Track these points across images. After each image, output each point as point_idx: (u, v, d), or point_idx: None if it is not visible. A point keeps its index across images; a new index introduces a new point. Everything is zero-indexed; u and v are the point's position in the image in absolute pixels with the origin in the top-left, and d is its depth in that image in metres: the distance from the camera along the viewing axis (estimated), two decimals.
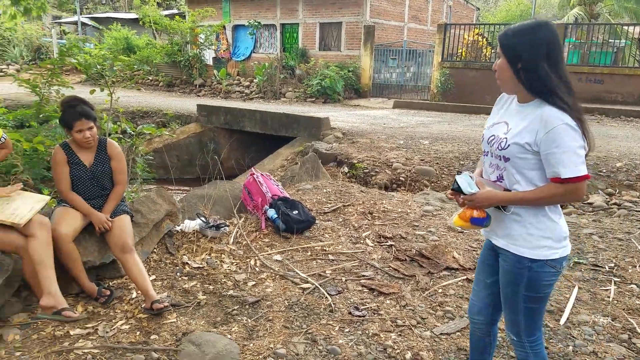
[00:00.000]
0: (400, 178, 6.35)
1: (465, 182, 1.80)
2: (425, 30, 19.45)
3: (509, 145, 1.74)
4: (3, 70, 19.58)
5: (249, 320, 2.79)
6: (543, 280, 1.77)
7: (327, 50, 17.06)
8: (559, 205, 1.81)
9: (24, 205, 2.73)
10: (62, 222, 2.83)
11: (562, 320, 2.89)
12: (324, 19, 16.92)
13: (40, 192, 3.65)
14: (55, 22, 24.95)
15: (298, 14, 17.44)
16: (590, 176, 1.80)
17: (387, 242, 3.92)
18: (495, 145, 1.79)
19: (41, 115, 4.84)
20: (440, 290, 3.24)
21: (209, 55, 18.72)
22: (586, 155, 1.67)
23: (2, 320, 2.65)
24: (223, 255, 3.60)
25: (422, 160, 6.85)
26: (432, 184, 6.25)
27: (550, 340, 2.70)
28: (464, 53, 14.69)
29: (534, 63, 1.68)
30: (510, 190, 1.78)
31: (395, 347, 2.59)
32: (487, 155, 1.88)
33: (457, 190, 1.83)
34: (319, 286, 3.19)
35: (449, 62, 14.11)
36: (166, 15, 19.30)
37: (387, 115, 12.06)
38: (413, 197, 5.19)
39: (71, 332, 2.56)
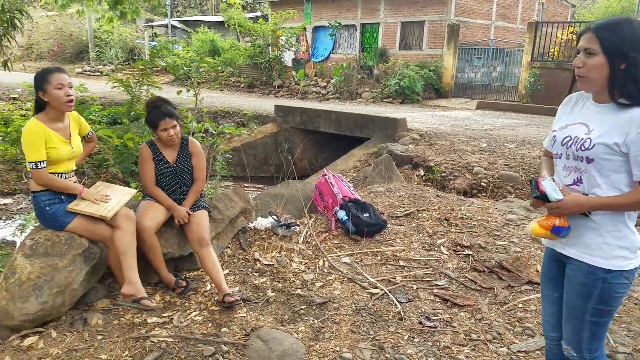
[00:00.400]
0: (482, 183, 6.02)
1: (551, 187, 1.68)
2: (514, 28, 18.44)
3: (594, 145, 1.64)
4: (100, 70, 21.21)
5: (316, 321, 2.77)
6: (615, 292, 1.70)
7: (408, 50, 16.74)
8: (634, 215, 1.69)
9: (111, 198, 2.92)
10: (146, 215, 3.00)
11: None
12: (406, 18, 16.62)
13: (129, 185, 3.90)
14: (148, 25, 26.66)
15: (379, 13, 17.28)
16: None
17: (464, 251, 3.72)
18: (575, 147, 1.70)
19: (132, 113, 5.19)
20: (520, 305, 3.02)
21: (288, 57, 19.13)
22: None
23: (88, 304, 2.85)
24: (292, 254, 3.62)
25: (506, 165, 6.44)
26: (517, 191, 5.86)
27: None
28: (556, 52, 13.73)
29: (638, 64, 1.55)
30: (587, 194, 1.69)
31: None
32: (560, 158, 1.79)
33: (540, 198, 1.71)
34: (388, 292, 3.10)
35: (540, 62, 13.27)
36: (250, 18, 20.00)
37: (470, 116, 11.57)
38: (495, 205, 4.89)
39: (148, 320, 2.69)
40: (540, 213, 4.44)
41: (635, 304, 3.08)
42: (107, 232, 2.82)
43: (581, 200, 1.67)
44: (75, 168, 2.98)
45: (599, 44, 1.59)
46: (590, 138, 1.66)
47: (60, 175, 2.81)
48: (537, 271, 3.38)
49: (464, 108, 13.54)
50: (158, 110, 3.09)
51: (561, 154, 1.78)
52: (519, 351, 2.55)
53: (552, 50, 13.65)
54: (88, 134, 3.11)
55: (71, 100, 2.75)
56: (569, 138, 1.74)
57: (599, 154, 1.64)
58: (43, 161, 2.67)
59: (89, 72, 21.13)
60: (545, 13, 19.34)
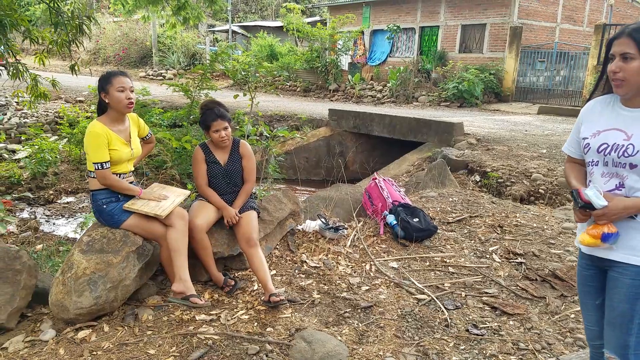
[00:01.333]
0: (540, 190, 5.77)
1: (594, 195, 1.67)
2: (580, 31, 17.49)
3: (638, 151, 1.65)
4: (162, 74, 21.94)
5: (360, 325, 2.77)
6: None
7: (468, 53, 16.31)
8: None
9: (168, 197, 3.04)
10: (198, 214, 3.11)
11: None
12: (467, 20, 16.21)
13: (186, 186, 4.07)
14: (210, 31, 27.48)
15: (439, 16, 16.97)
16: None
17: (516, 259, 3.58)
18: (616, 153, 1.71)
19: (191, 117, 5.41)
20: (572, 316, 2.89)
21: (345, 61, 19.19)
22: None
23: (139, 300, 2.96)
24: (339, 257, 3.64)
25: None
26: None
27: None
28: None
29: None
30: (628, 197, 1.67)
31: None
32: (596, 165, 1.79)
33: (585, 207, 1.70)
34: (435, 298, 3.05)
35: None
36: (308, 23, 20.23)
37: (530, 121, 11.10)
38: (552, 212, 4.67)
39: (197, 317, 2.77)
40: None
41: None
42: (161, 230, 2.92)
43: (627, 202, 1.67)
44: (133, 169, 3.11)
45: (637, 48, 1.60)
46: (632, 144, 1.67)
47: (119, 175, 2.93)
48: None
49: (524, 113, 13.01)
50: (211, 112, 3.19)
51: (597, 160, 1.78)
52: None
53: None
54: (147, 135, 3.24)
55: (131, 103, 2.86)
56: (605, 145, 1.74)
57: None
58: (107, 162, 2.80)
59: (151, 77, 21.84)
60: (614, 15, 18.19)
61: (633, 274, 1.69)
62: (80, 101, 13.10)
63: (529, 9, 15.50)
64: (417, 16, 17.62)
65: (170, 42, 22.82)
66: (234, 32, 25.38)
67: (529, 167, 6.34)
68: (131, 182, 3.07)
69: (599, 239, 1.70)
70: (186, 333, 2.61)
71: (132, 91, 2.90)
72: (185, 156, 4.63)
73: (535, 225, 4.21)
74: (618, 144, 1.70)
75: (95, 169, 2.80)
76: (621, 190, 1.72)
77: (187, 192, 3.26)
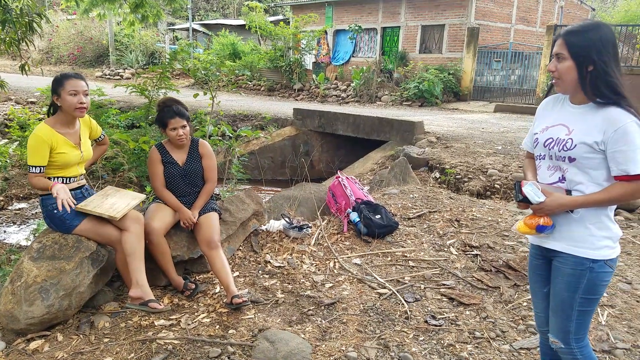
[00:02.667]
0: (495, 185, 5.99)
1: (532, 191, 1.78)
2: (533, 31, 18.18)
3: (575, 145, 1.74)
4: (120, 74, 21.41)
5: (324, 322, 2.81)
6: (602, 280, 1.78)
7: (428, 53, 16.66)
8: (615, 206, 1.78)
9: (121, 201, 2.97)
10: (155, 217, 3.05)
11: None
12: (426, 21, 16.54)
13: (144, 189, 3.99)
14: (169, 29, 26.93)
15: (400, 17, 17.25)
16: None
17: (472, 251, 3.72)
18: (557, 147, 1.78)
19: (150, 117, 5.30)
20: (524, 304, 3.03)
21: (309, 60, 19.24)
22: None
23: (95, 307, 2.89)
24: (304, 256, 3.67)
25: (520, 167, 6.39)
26: None
27: None
28: None
29: (605, 66, 1.65)
30: (570, 191, 1.77)
31: (471, 359, 2.47)
32: (543, 159, 1.88)
33: (524, 201, 1.80)
34: (396, 292, 3.13)
35: None
36: (271, 22, 20.14)
37: (487, 119, 11.47)
38: (506, 206, 4.86)
39: (156, 323, 2.74)
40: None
41: (637, 301, 3.05)
42: (115, 234, 2.85)
43: (562, 200, 1.76)
44: (84, 172, 3.02)
45: (567, 49, 1.70)
46: (571, 139, 1.75)
47: (68, 179, 2.84)
48: None
49: (482, 111, 13.42)
50: (168, 109, 3.13)
51: (544, 155, 1.87)
52: (520, 348, 2.57)
53: None
54: (100, 137, 3.16)
55: (83, 108, 2.78)
56: (550, 139, 1.83)
57: (580, 154, 1.73)
58: (41, 167, 2.69)
59: (109, 76, 21.32)
60: (565, 16, 19.02)
61: (573, 264, 1.78)
62: (32, 102, 12.59)
63: (485, 10, 15.98)
64: (379, 16, 17.86)
65: (128, 41, 22.22)
66: (194, 30, 24.94)
67: (485, 163, 6.57)
68: (83, 186, 2.99)
69: (534, 229, 1.81)
70: (145, 339, 2.57)
71: (87, 95, 2.82)
72: (143, 158, 4.53)
73: (490, 218, 4.37)
74: (560, 139, 1.79)
75: (29, 171, 2.71)
76: (563, 183, 1.80)
77: (143, 197, 3.18)
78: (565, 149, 1.76)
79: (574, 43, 1.69)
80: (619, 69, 1.70)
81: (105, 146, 3.32)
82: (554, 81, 1.79)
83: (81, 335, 2.61)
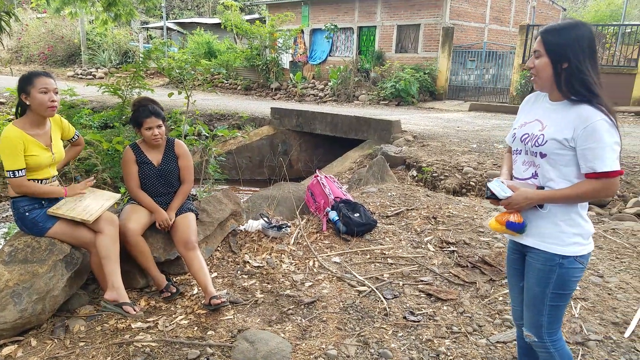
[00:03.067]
0: (471, 183, 6.09)
1: (498, 187, 1.82)
2: (507, 31, 18.55)
3: (546, 141, 1.77)
4: (92, 73, 20.95)
5: (303, 320, 2.82)
6: (572, 276, 1.80)
7: (404, 53, 16.82)
8: (586, 202, 1.81)
9: (94, 202, 2.90)
10: (130, 218, 3.00)
11: (627, 333, 2.70)
12: (402, 21, 16.69)
13: (118, 190, 3.92)
14: (143, 27, 26.53)
15: (376, 16, 17.36)
16: (624, 172, 1.79)
17: (449, 247, 3.78)
18: (531, 143, 1.81)
19: (123, 117, 5.21)
20: (500, 298, 3.09)
21: (286, 59, 19.19)
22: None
23: (70, 311, 2.83)
24: (283, 256, 3.66)
25: (494, 164, 6.51)
26: None
27: (612, 353, 2.53)
28: None
29: (580, 64, 1.68)
30: (543, 187, 1.80)
31: (449, 354, 2.51)
32: (519, 154, 1.91)
33: (492, 198, 1.84)
34: (375, 289, 3.16)
35: None
36: (247, 20, 20.00)
37: (462, 118, 11.65)
38: (481, 203, 4.96)
39: (133, 325, 2.70)
40: None
41: (609, 294, 3.15)
42: (89, 237, 2.80)
43: (528, 194, 1.80)
44: (57, 173, 2.95)
45: (543, 46, 1.74)
46: (543, 134, 1.78)
47: (40, 181, 2.77)
48: None
49: (457, 110, 13.63)
50: (144, 109, 3.08)
51: (520, 150, 1.90)
52: (497, 342, 2.62)
53: None
54: (73, 137, 3.08)
55: (54, 106, 2.71)
56: (526, 135, 1.86)
57: (551, 149, 1.76)
58: (21, 170, 2.62)
59: (81, 76, 20.87)
60: (537, 16, 19.46)
61: (543, 260, 1.82)
62: (1, 103, 12.24)
63: (460, 10, 16.22)
64: (355, 16, 17.93)
65: (101, 40, 21.78)
66: (169, 29, 24.60)
67: (460, 161, 6.67)
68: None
69: (504, 225, 1.84)
70: (122, 342, 2.53)
71: (57, 93, 2.74)
72: (117, 158, 4.44)
73: (466, 215, 4.44)
74: (534, 134, 1.82)
75: (9, 176, 2.62)
76: (536, 178, 1.83)
77: (117, 196, 3.12)
78: (537, 144, 1.79)
79: (550, 41, 1.73)
80: (596, 68, 1.72)
81: (80, 147, 3.24)
82: (532, 78, 1.82)
83: (56, 340, 2.55)
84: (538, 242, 1.83)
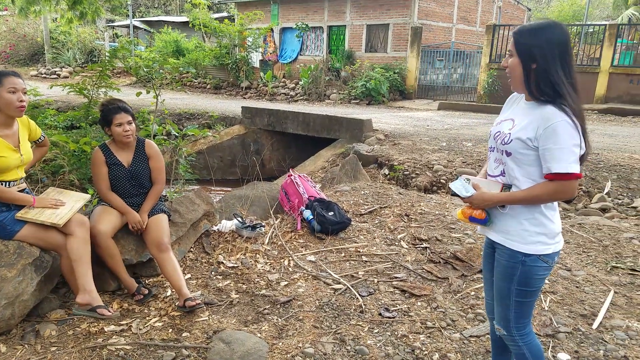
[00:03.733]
0: (441, 180, 6.21)
1: (461, 186, 1.88)
2: (474, 31, 18.98)
3: (511, 140, 1.78)
4: (57, 73, 20.44)
5: (280, 320, 2.81)
6: (535, 274, 1.82)
7: (373, 52, 16.98)
8: (555, 203, 1.83)
9: (65, 203, 2.83)
10: (101, 220, 2.93)
11: (595, 325, 2.80)
12: (371, 20, 16.85)
13: (86, 192, 3.83)
14: (109, 26, 25.96)
15: (345, 16, 17.46)
16: (582, 175, 1.79)
17: (422, 244, 3.84)
18: (500, 141, 1.84)
19: (90, 117, 5.07)
20: (472, 293, 3.16)
21: (256, 58, 19.07)
22: (583, 157, 1.71)
23: (41, 316, 2.75)
24: (258, 255, 3.64)
25: (464, 162, 6.66)
26: None
27: (581, 345, 2.62)
28: None
29: (548, 66, 1.70)
30: (510, 185, 1.83)
31: (424, 349, 2.55)
32: (492, 151, 1.93)
33: (455, 195, 1.90)
34: (350, 287, 3.18)
35: (497, 64, 13.71)
36: (216, 19, 19.79)
37: (432, 117, 11.85)
38: (452, 200, 5.06)
39: (105, 329, 2.64)
40: None
41: (577, 287, 3.26)
42: (60, 239, 2.73)
43: (485, 196, 1.84)
44: (24, 175, 2.87)
45: (515, 47, 1.77)
46: (510, 133, 1.80)
47: (8, 183, 2.69)
48: None
49: (426, 109, 13.85)
50: (113, 106, 3.03)
51: (493, 147, 1.92)
52: (470, 336, 2.67)
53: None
54: (40, 138, 3.01)
55: (23, 106, 2.65)
56: (498, 132, 1.88)
57: (515, 149, 1.77)
58: None
59: (44, 75, 20.38)
60: (503, 16, 19.99)
61: (507, 256, 1.84)
62: None
63: (428, 10, 16.49)
64: (325, 15, 17.98)
65: (65, 38, 21.17)
66: (135, 27, 24.09)
67: (431, 159, 6.79)
68: (23, 189, 2.83)
69: (467, 218, 1.91)
70: (95, 346, 2.48)
71: (25, 93, 2.68)
72: (84, 159, 4.31)
73: (437, 212, 4.53)
74: (504, 132, 1.83)
75: None
76: (504, 176, 1.85)
77: (87, 197, 3.05)
78: (503, 142, 1.81)
79: (521, 41, 1.75)
80: (568, 69, 1.71)
81: (45, 148, 3.16)
82: (509, 79, 1.85)
83: (26, 345, 2.48)
84: (503, 239, 1.86)
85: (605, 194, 5.55)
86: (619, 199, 5.49)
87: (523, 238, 1.80)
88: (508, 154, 1.80)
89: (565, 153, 1.65)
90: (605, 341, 2.64)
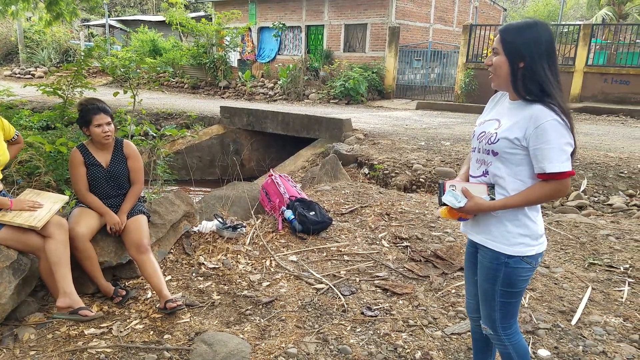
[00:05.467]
0: (420, 179, 6.28)
1: (452, 197, 1.83)
2: (450, 31, 19.24)
3: (498, 140, 1.77)
4: (31, 72, 20.09)
5: (262, 320, 2.80)
6: (519, 275, 1.82)
7: (352, 52, 17.04)
8: (537, 205, 1.83)
9: (42, 205, 2.78)
10: (79, 221, 2.88)
11: (574, 321, 2.87)
12: (349, 20, 16.91)
13: (63, 194, 3.75)
14: (84, 25, 25.50)
15: (323, 15, 17.48)
16: (575, 172, 1.80)
17: (403, 243, 3.88)
18: (485, 141, 1.83)
19: (65, 117, 4.97)
20: (453, 291, 3.20)
21: (234, 57, 18.94)
22: (572, 154, 1.71)
23: (19, 320, 2.70)
24: (239, 256, 3.62)
25: (442, 161, 6.75)
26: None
27: (561, 340, 2.67)
28: (489, 54, 14.43)
29: (535, 64, 1.70)
30: (493, 184, 1.83)
31: (406, 347, 2.57)
32: (474, 151, 1.92)
33: (445, 204, 1.85)
34: (332, 286, 3.18)
35: (474, 63, 13.92)
36: (193, 18, 19.60)
37: (410, 116, 11.96)
38: (431, 198, 5.12)
39: (85, 332, 2.60)
40: None
41: (555, 284, 3.34)
42: (38, 242, 2.68)
43: (481, 206, 1.80)
44: (1, 176, 2.81)
45: (501, 45, 1.76)
46: (496, 133, 1.79)
47: None
48: None
49: (404, 108, 13.97)
50: (92, 106, 2.99)
51: (476, 147, 1.90)
52: (452, 333, 2.71)
53: (486, 51, 14.35)
54: (13, 137, 2.95)
55: None
56: (483, 133, 1.87)
57: (502, 148, 1.76)
58: None
59: (19, 75, 20.01)
60: (479, 16, 20.31)
61: (490, 258, 1.84)
62: None
63: (405, 10, 16.64)
64: (303, 15, 17.97)
65: (40, 38, 20.72)
66: (111, 26, 23.67)
67: (410, 158, 6.86)
68: (0, 191, 2.76)
69: (457, 218, 1.89)
70: (75, 349, 2.44)
71: None
72: (60, 160, 4.22)
73: (417, 211, 4.58)
74: (490, 132, 1.82)
75: None
76: (486, 176, 1.84)
77: (65, 198, 3.00)
78: (489, 142, 1.80)
79: (509, 40, 1.73)
80: (554, 68, 1.72)
81: (19, 145, 3.09)
82: (490, 76, 1.84)
83: (4, 350, 2.43)
84: (486, 240, 1.85)
85: (582, 192, 5.69)
86: (595, 197, 5.65)
87: (506, 239, 1.80)
88: (495, 154, 1.79)
89: (557, 152, 1.65)
90: (584, 337, 2.70)
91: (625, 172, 6.14)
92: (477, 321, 2.10)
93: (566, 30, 14.33)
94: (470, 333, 2.67)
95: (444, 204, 1.85)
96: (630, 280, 3.38)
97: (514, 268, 1.80)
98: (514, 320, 1.93)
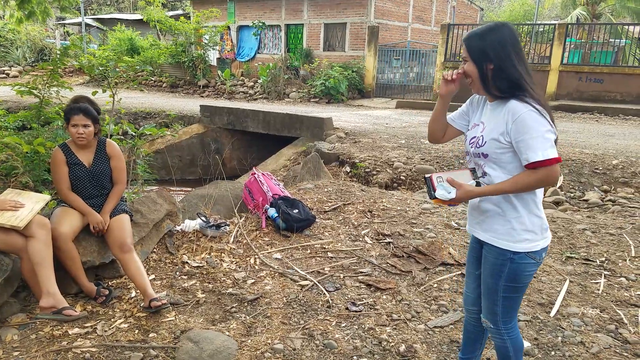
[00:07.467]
0: (401, 177, 6.36)
1: (443, 190, 1.86)
2: (429, 30, 19.46)
3: (485, 142, 1.83)
4: (5, 72, 19.62)
5: (248, 318, 2.82)
6: (524, 271, 1.86)
7: (332, 51, 17.10)
8: (540, 198, 1.86)
9: (24, 205, 2.74)
10: (62, 221, 2.85)
11: (552, 313, 2.96)
12: (329, 19, 16.95)
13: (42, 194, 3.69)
14: (59, 24, 25.00)
15: (303, 14, 17.48)
16: (562, 159, 1.85)
17: (385, 239, 3.94)
18: (474, 146, 1.88)
19: (42, 117, 4.87)
20: (435, 285, 3.27)
21: (213, 56, 18.79)
22: (555, 142, 1.74)
23: (1, 321, 2.66)
24: (223, 254, 3.62)
25: (422, 159, 6.86)
26: None
27: (540, 332, 2.76)
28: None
29: (504, 64, 1.76)
30: (474, 170, 1.89)
31: (390, 340, 2.62)
32: (469, 156, 1.96)
33: (436, 198, 1.88)
34: (317, 283, 3.22)
35: (452, 62, 14.12)
36: (171, 16, 19.38)
37: (390, 115, 12.08)
38: (412, 196, 5.20)
39: (70, 332, 2.58)
40: None
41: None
42: (20, 242, 2.65)
43: (470, 193, 1.83)
44: None
45: (468, 52, 1.83)
46: (482, 135, 1.85)
47: None
48: (450, 254, 3.68)
49: (385, 107, 14.10)
50: (75, 106, 2.97)
51: (468, 152, 1.96)
52: (435, 327, 2.78)
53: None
54: None
55: None
56: (474, 138, 1.91)
57: (491, 149, 1.81)
58: None
59: None
60: (457, 16, 20.61)
61: (495, 254, 1.88)
62: None
63: (384, 9, 16.77)
64: (282, 13, 17.94)
65: (13, 36, 20.18)
66: (87, 25, 23.23)
67: (391, 156, 6.94)
68: None
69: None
70: (59, 349, 2.42)
71: None
72: (38, 161, 4.14)
73: (399, 208, 4.65)
74: (477, 137, 1.87)
75: None
76: (484, 177, 1.87)
77: (47, 198, 2.96)
78: (477, 145, 1.85)
79: (473, 46, 1.80)
80: (523, 65, 1.77)
81: None
82: (469, 84, 1.89)
83: None
84: (491, 238, 1.88)
85: (558, 188, 5.85)
86: (571, 192, 5.82)
87: (511, 236, 1.83)
88: (485, 156, 1.83)
89: (539, 141, 1.68)
90: (563, 328, 2.79)
91: (600, 168, 6.33)
92: (473, 314, 2.15)
93: (542, 29, 14.64)
94: (452, 326, 2.76)
95: (436, 198, 1.88)
96: (606, 272, 3.51)
97: (519, 264, 1.84)
98: (515, 314, 1.98)
